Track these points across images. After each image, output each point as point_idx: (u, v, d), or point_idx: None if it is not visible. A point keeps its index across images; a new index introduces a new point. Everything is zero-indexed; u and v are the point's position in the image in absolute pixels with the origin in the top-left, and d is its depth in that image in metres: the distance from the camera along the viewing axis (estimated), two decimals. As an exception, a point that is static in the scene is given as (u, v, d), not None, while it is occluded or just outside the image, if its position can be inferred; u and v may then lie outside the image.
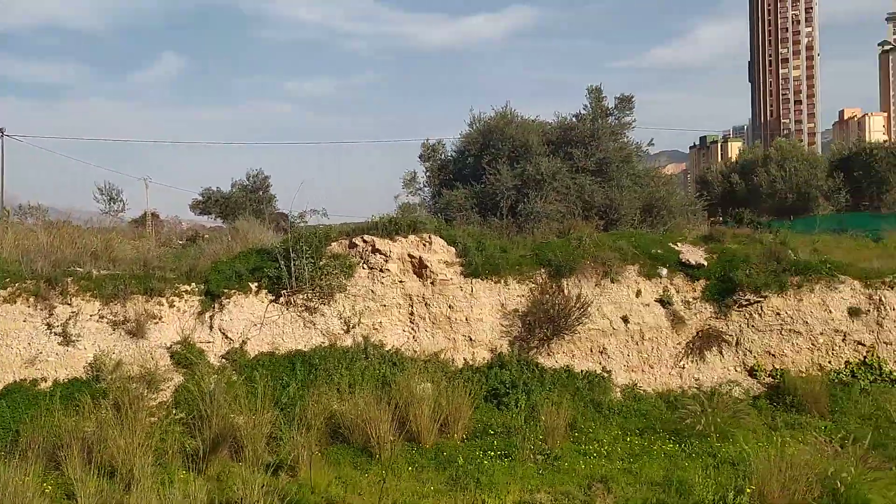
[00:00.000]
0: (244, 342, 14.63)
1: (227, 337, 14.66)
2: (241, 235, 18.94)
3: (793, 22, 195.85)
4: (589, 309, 15.62)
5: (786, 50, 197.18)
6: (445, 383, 13.62)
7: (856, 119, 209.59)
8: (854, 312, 16.18)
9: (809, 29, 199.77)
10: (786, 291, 16.25)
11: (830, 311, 16.19)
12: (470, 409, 13.15)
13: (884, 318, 16.12)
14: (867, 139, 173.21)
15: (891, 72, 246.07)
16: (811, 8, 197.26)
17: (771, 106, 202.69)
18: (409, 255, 15.81)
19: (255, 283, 15.15)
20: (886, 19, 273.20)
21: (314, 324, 14.97)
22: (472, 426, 13.14)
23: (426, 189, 24.38)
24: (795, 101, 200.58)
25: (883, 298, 16.25)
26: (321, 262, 15.08)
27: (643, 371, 15.84)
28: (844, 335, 16.13)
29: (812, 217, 30.62)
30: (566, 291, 15.87)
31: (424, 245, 15.96)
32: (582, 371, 15.44)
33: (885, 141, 53.89)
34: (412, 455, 12.04)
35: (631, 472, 11.47)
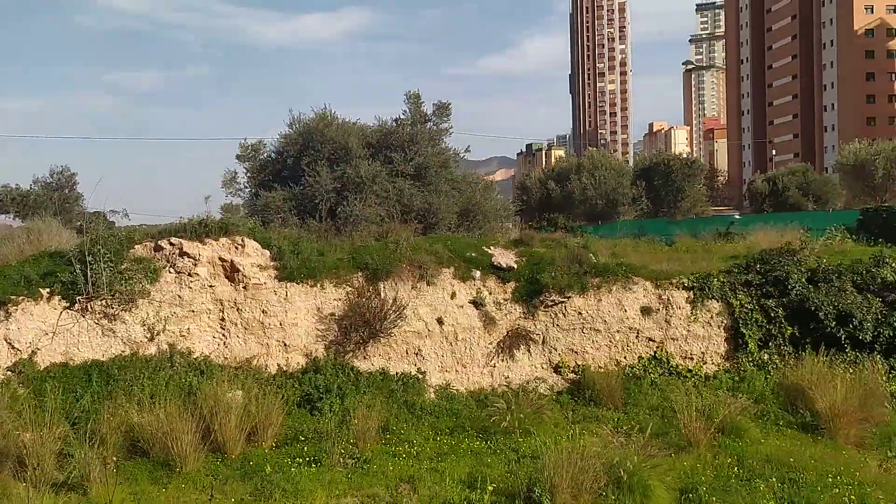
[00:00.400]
0: (33, 353, 13.49)
1: (13, 347, 13.46)
2: (35, 237, 17.44)
3: (608, 39, 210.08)
4: (405, 311, 15.83)
5: (602, 65, 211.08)
6: (257, 390, 13.28)
7: (663, 132, 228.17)
8: (646, 311, 17.54)
9: (623, 46, 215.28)
10: (587, 292, 17.32)
11: (626, 311, 17.45)
12: (281, 416, 12.91)
13: (671, 316, 17.60)
14: (672, 150, 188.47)
15: (693, 89, 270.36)
16: (624, 27, 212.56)
17: (589, 117, 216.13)
18: (221, 259, 15.26)
19: (47, 289, 14.00)
20: (690, 41, 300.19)
21: (114, 332, 14.07)
22: (283, 433, 12.91)
23: (247, 190, 23.69)
24: (611, 114, 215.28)
25: (671, 298, 17.73)
26: (122, 266, 14.21)
27: (457, 371, 16.28)
28: (638, 332, 17.44)
29: (618, 222, 32.97)
30: (383, 294, 15.99)
31: (237, 248, 15.48)
32: (397, 373, 15.61)
33: (681, 153, 59.04)
34: (216, 466, 11.63)
35: (438, 471, 11.73)
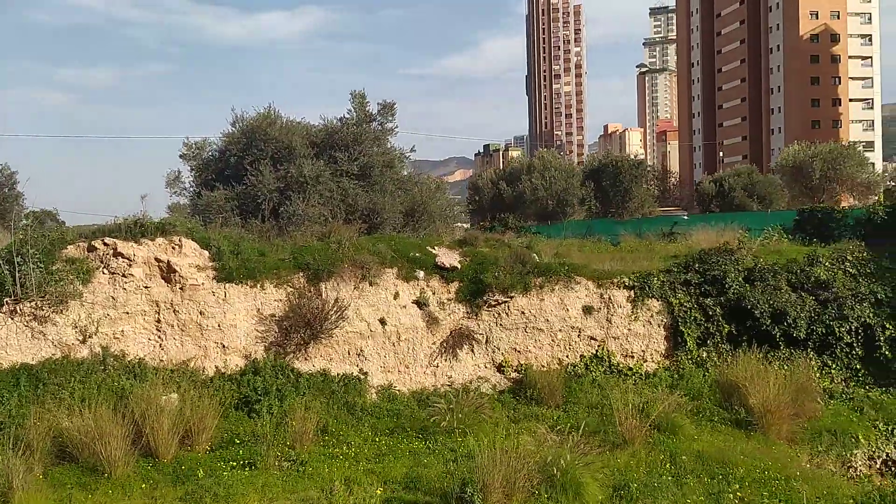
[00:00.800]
0: (-42, 357, 13.05)
1: (-63, 351, 13.01)
2: (-36, 237, 16.90)
3: (564, 41, 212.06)
4: (347, 312, 15.73)
5: (558, 67, 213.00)
6: (193, 393, 13.07)
7: (618, 133, 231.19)
8: (588, 310, 17.74)
9: (578, 48, 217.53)
10: (530, 292, 17.44)
11: (568, 310, 17.62)
12: (216, 419, 12.71)
13: (613, 315, 17.82)
14: (627, 152, 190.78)
15: (647, 91, 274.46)
16: (579, 29, 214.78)
17: (545, 118, 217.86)
18: (157, 259, 14.96)
19: (-27, 292, 13.55)
20: (643, 44, 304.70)
21: (44, 334, 13.68)
22: (218, 436, 12.72)
23: (192, 189, 23.28)
24: (567, 115, 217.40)
25: (612, 297, 17.96)
26: (53, 267, 13.83)
27: (399, 371, 16.24)
28: (580, 331, 17.62)
29: (565, 222, 33.30)
30: (324, 295, 15.86)
31: (174, 248, 15.19)
32: (339, 374, 15.50)
33: (632, 154, 59.54)
34: (148, 471, 11.40)
35: (375, 472, 11.69)
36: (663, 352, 18.06)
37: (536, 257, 18.42)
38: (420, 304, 16.78)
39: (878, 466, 15.66)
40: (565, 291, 17.75)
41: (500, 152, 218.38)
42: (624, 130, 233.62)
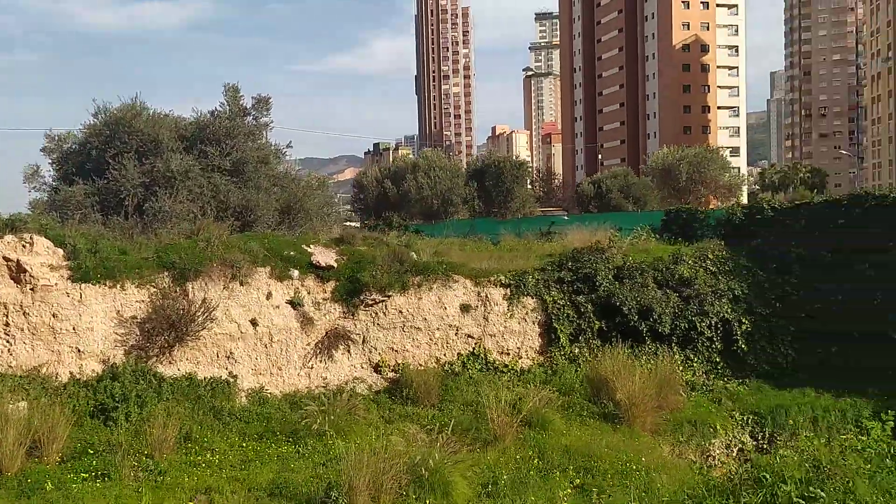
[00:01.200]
0: None
1: None
2: None
3: (452, 43, 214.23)
4: (215, 313, 15.13)
5: (447, 68, 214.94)
6: (44, 401, 12.22)
7: (505, 135, 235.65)
8: (465, 308, 17.84)
9: (467, 50, 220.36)
10: (408, 291, 17.35)
11: (446, 308, 17.65)
12: (69, 428, 11.91)
13: (489, 313, 18.00)
14: (514, 153, 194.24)
15: (533, 95, 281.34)
16: (468, 31, 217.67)
17: (435, 118, 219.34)
18: (5, 258, 13.89)
19: None
20: (529, 48, 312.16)
21: None
22: (71, 447, 11.92)
23: (51, 184, 21.80)
24: (455, 116, 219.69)
25: (489, 295, 18.14)
26: None
27: (271, 374, 15.78)
28: (457, 329, 17.70)
29: (447, 221, 33.53)
30: (191, 295, 15.19)
31: (24, 246, 14.14)
32: (206, 378, 14.88)
33: (513, 155, 60.56)
34: (-13, 487, 10.51)
35: (239, 480, 11.26)
36: (538, 348, 18.40)
37: (415, 256, 18.36)
38: (294, 304, 16.37)
39: (734, 455, 16.58)
40: (443, 290, 17.78)
41: (390, 151, 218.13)
42: (511, 132, 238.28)
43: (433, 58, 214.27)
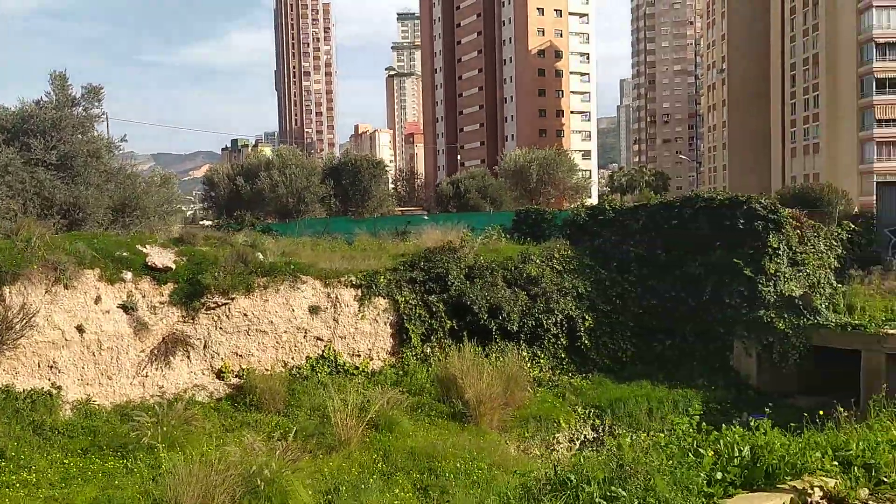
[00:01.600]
0: None
1: None
2: None
3: (313, 39, 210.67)
4: (35, 319, 13.89)
5: (308, 64, 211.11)
6: None
7: (368, 134, 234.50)
8: (314, 310, 17.41)
9: (328, 47, 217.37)
10: (253, 293, 16.72)
11: (293, 310, 17.16)
12: None
13: (339, 314, 17.67)
14: (377, 152, 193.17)
15: (396, 94, 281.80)
16: (329, 28, 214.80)
17: (295, 115, 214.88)
18: None
19: None
20: (392, 48, 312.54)
21: None
22: None
23: None
24: (317, 113, 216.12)
25: (339, 296, 17.81)
26: None
27: (100, 384, 14.70)
28: (306, 332, 17.25)
29: (299, 221, 32.81)
30: (8, 300, 13.86)
31: None
32: (25, 390, 13.63)
33: (368, 154, 59.69)
34: None
35: (57, 500, 10.36)
36: (390, 349, 18.27)
37: (261, 256, 17.71)
38: (127, 308, 15.33)
39: (577, 447, 17.15)
40: (291, 291, 17.27)
41: (250, 148, 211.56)
42: (374, 131, 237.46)
43: (293, 53, 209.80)
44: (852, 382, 16.71)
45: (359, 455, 12.40)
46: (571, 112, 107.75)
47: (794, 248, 18.78)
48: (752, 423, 7.05)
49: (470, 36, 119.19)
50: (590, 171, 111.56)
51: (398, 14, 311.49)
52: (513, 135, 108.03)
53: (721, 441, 6.39)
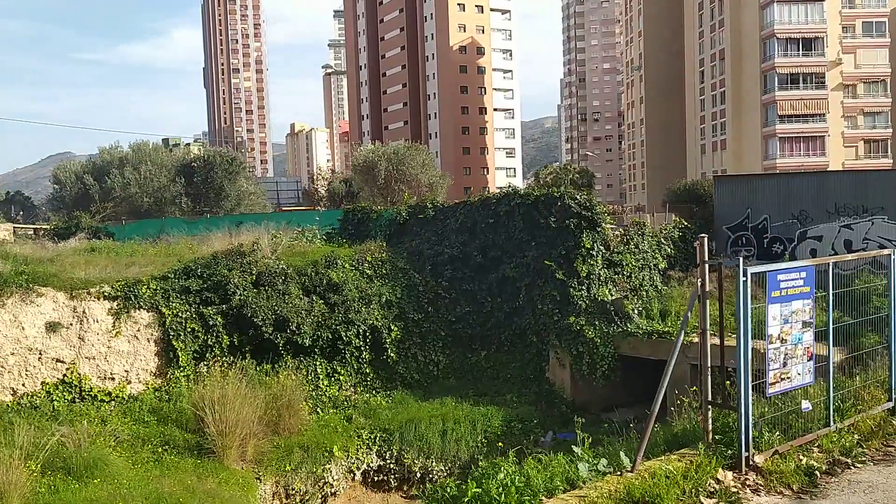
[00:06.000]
0: None
1: None
2: None
3: (243, 35, 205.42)
4: None
5: (237, 61, 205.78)
6: None
7: (304, 133, 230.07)
8: (53, 327, 14.95)
9: (259, 44, 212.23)
10: (-30, 309, 14.18)
11: (25, 328, 14.67)
12: None
13: (87, 332, 15.26)
14: (314, 152, 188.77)
15: (333, 92, 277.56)
16: (259, 24, 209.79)
17: (225, 113, 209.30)
18: None
19: None
20: (328, 45, 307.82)
21: None
22: None
23: None
24: (247, 111, 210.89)
25: (88, 310, 15.38)
26: None
27: None
28: (41, 353, 14.77)
29: (144, 222, 30.16)
30: None
31: None
32: None
33: (230, 151, 53.18)
34: None
35: None
36: (154, 370, 15.92)
37: (-10, 266, 15.16)
38: None
39: (359, 478, 15.08)
40: (22, 306, 14.77)
41: (181, 147, 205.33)
42: (311, 130, 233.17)
43: (222, 49, 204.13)
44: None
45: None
46: (494, 109, 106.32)
47: (611, 248, 17.00)
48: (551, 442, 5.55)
49: (393, 31, 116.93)
50: (514, 168, 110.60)
51: (335, 11, 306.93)
52: (436, 132, 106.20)
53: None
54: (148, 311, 15.94)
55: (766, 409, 5.85)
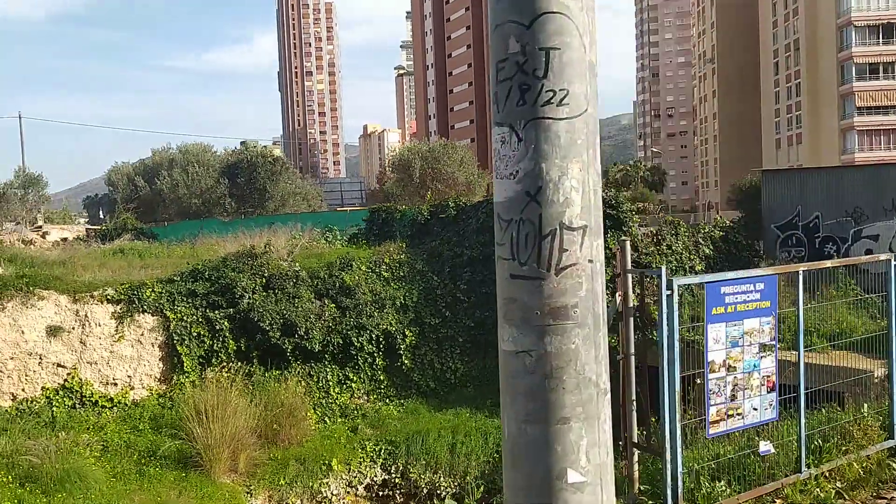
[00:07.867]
0: None
1: None
2: None
3: (315, 39, 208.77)
4: None
5: (310, 64, 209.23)
6: None
7: (377, 133, 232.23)
8: (54, 331, 14.72)
9: (332, 47, 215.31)
10: (-28, 312, 14.08)
11: (24, 332, 14.48)
12: None
13: (89, 336, 14.98)
14: (386, 152, 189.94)
15: (405, 93, 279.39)
16: (332, 27, 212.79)
17: (298, 116, 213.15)
18: None
19: None
20: (401, 46, 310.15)
21: None
22: None
23: None
24: (320, 113, 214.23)
25: (91, 314, 15.10)
26: None
27: None
28: (41, 358, 14.56)
29: (183, 223, 30.26)
30: None
31: None
32: None
33: (264, 150, 52.66)
34: None
35: None
36: (159, 375, 15.53)
37: (-7, 269, 15.08)
38: None
39: (362, 492, 14.30)
40: (22, 310, 14.58)
41: (258, 148, 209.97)
42: (383, 130, 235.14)
43: (295, 53, 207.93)
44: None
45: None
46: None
47: (640, 249, 15.67)
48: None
49: (459, 30, 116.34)
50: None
51: (407, 13, 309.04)
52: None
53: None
54: (152, 315, 15.57)
55: (721, 452, 4.72)
